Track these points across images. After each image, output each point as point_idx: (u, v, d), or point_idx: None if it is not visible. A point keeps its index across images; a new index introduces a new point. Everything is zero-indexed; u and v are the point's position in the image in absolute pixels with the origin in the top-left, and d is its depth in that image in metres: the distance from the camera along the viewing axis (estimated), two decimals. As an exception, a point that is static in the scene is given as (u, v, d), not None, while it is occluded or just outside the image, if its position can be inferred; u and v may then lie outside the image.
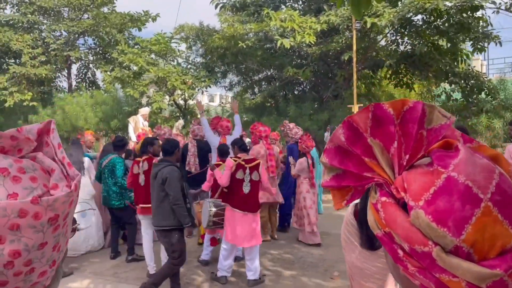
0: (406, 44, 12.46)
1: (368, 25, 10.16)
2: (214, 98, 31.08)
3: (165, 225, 4.20)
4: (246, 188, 4.82)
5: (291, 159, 6.76)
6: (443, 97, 13.61)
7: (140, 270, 5.37)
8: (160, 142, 6.81)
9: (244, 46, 11.98)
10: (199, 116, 6.81)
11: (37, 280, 0.62)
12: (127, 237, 5.97)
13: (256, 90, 15.68)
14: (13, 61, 15.62)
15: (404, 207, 0.62)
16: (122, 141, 6.09)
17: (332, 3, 10.45)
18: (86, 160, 6.30)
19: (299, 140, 6.51)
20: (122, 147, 6.01)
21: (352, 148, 0.67)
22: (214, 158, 6.06)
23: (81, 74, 17.68)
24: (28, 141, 0.64)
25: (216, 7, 13.61)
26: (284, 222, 7.39)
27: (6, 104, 13.82)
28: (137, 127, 9.58)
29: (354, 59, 10.72)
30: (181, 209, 4.16)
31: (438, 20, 11.15)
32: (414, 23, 11.55)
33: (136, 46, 14.92)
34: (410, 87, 13.51)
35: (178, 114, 14.90)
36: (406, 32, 11.92)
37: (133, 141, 8.24)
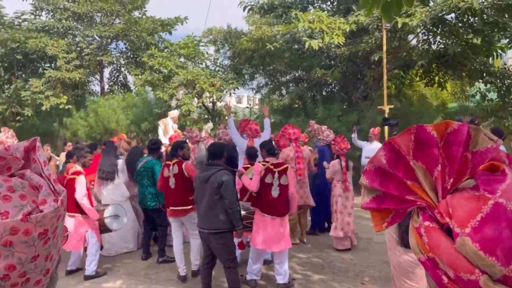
0: (439, 43, 12.13)
1: (400, 25, 9.95)
2: (241, 99, 31.22)
3: (219, 228, 4.19)
4: (275, 192, 4.81)
5: (325, 163, 6.71)
6: (477, 97, 13.16)
7: (170, 271, 5.46)
8: (190, 145, 6.92)
9: (272, 48, 11.97)
10: (226, 118, 6.86)
11: None
12: (158, 239, 6.08)
13: (283, 91, 15.64)
14: (48, 65, 16.19)
15: (448, 232, 0.61)
16: (156, 144, 6.24)
17: (361, 8, 10.29)
18: (120, 162, 6.44)
19: (333, 142, 6.42)
20: (156, 150, 6.16)
21: (393, 171, 0.66)
22: (241, 161, 6.08)
23: (113, 77, 18.16)
24: (15, 160, 0.68)
25: (244, 10, 13.68)
26: (315, 226, 7.33)
27: (43, 108, 14.33)
28: (167, 129, 9.75)
29: (384, 60, 10.53)
30: (236, 213, 4.19)
31: (472, 18, 10.80)
32: (447, 21, 11.23)
33: (165, 50, 15.18)
34: (443, 86, 13.15)
35: (206, 116, 15.05)
36: (438, 31, 11.60)
37: (163, 144, 8.39)
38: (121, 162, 6.45)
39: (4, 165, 0.67)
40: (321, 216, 7.28)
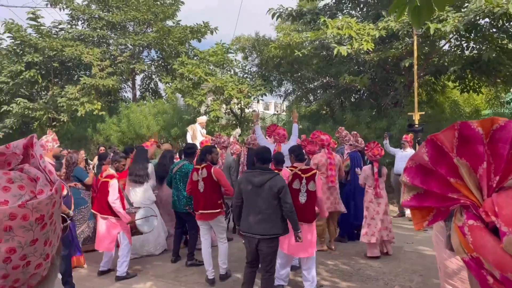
0: (472, 48, 11.79)
1: (432, 31, 9.74)
2: (269, 106, 31.27)
3: (274, 233, 4.17)
4: (302, 198, 4.77)
5: (357, 169, 6.65)
6: (513, 104, 12.71)
7: (199, 274, 5.49)
8: (219, 150, 6.98)
9: (300, 55, 11.96)
10: (254, 124, 6.90)
11: (34, 271, 0.72)
12: (189, 243, 6.13)
13: (311, 98, 15.58)
14: (83, 73, 16.75)
15: (494, 231, 0.59)
16: (192, 149, 6.32)
17: (390, 14, 10.14)
18: (150, 166, 6.56)
19: (366, 148, 6.34)
20: (192, 154, 6.24)
21: (435, 168, 0.64)
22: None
23: (144, 84, 18.59)
24: (15, 155, 0.74)
25: (272, 17, 13.73)
26: (343, 233, 7.22)
27: (78, 114, 14.80)
28: (195, 134, 9.88)
29: (415, 66, 10.32)
30: (295, 216, 4.20)
31: (508, 23, 10.46)
32: (480, 27, 10.92)
33: (195, 58, 15.42)
34: (477, 92, 12.75)
35: (234, 122, 15.16)
36: (471, 36, 11.29)
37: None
38: (150, 166, 6.54)
39: (5, 160, 0.73)
40: (350, 224, 7.16)
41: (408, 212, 8.65)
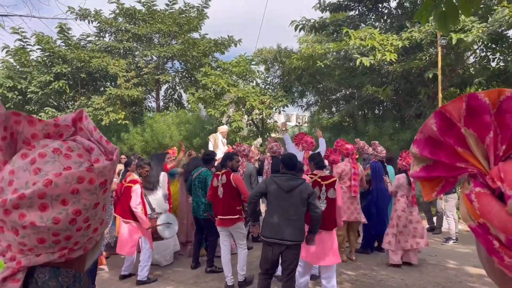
0: (498, 60, 11.57)
1: (454, 41, 9.63)
2: (290, 118, 31.29)
3: (300, 240, 4.21)
4: (322, 205, 4.76)
5: (386, 178, 6.61)
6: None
7: (218, 281, 5.52)
8: (240, 158, 7.03)
9: (322, 66, 11.98)
10: (280, 135, 6.96)
11: (91, 235, 0.75)
12: (208, 249, 6.17)
13: (333, 109, 15.53)
14: (109, 83, 17.20)
15: (500, 197, 0.61)
16: (210, 156, 6.41)
17: (415, 21, 10.08)
18: (162, 175, 6.35)
19: (400, 157, 6.30)
20: (210, 161, 6.31)
21: (444, 138, 0.67)
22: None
23: (168, 95, 18.92)
24: (68, 127, 0.77)
25: (295, 29, 13.83)
26: (366, 245, 7.11)
27: (103, 123, 15.17)
28: (216, 144, 9.97)
29: (439, 77, 10.19)
30: (320, 222, 4.25)
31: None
32: (506, 38, 10.72)
33: (218, 69, 15.65)
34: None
35: (255, 133, 15.24)
36: (498, 48, 11.09)
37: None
38: (162, 175, 6.34)
39: (57, 132, 0.75)
40: (372, 235, 7.06)
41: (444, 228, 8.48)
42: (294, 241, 4.14)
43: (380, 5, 14.13)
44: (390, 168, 7.20)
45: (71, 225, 0.70)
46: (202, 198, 5.96)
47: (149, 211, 5.78)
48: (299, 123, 23.30)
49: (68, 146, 0.74)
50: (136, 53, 17.36)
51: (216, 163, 6.64)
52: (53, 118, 0.82)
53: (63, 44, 16.44)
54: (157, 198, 6.13)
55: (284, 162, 4.37)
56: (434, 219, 9.22)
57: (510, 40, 10.72)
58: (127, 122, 15.44)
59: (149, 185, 6.16)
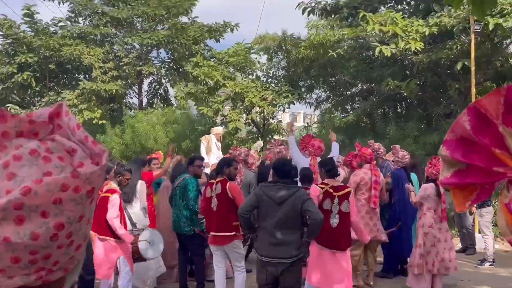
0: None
1: (491, 27, 9.66)
2: (297, 117, 31.33)
3: (295, 255, 4.20)
4: (334, 221, 4.76)
5: (409, 185, 6.53)
6: None
7: (211, 310, 5.50)
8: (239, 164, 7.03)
9: (335, 56, 11.99)
10: (285, 138, 6.96)
11: (73, 254, 0.74)
12: (195, 272, 6.13)
13: (348, 107, 15.54)
14: (83, 76, 17.18)
15: (546, 208, 0.61)
16: (192, 159, 6.37)
17: (446, 3, 10.11)
18: (139, 184, 6.26)
19: (429, 164, 6.24)
20: (192, 162, 6.29)
21: (478, 138, 0.67)
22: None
23: (152, 89, 18.91)
24: (44, 125, 0.75)
25: (303, 13, 13.81)
26: (388, 268, 7.09)
27: (75, 123, 15.17)
28: (209, 147, 9.98)
29: (473, 69, 10.22)
30: (319, 229, 4.26)
31: None
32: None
33: (212, 59, 15.63)
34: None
35: (256, 134, 15.22)
36: (542, 35, 11.13)
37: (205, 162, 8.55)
38: (140, 184, 6.20)
39: (32, 130, 0.73)
40: (395, 255, 7.05)
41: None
42: (290, 257, 4.13)
43: (404, -16, 14.19)
44: (413, 177, 7.16)
45: (52, 242, 0.68)
46: (183, 210, 5.91)
47: (129, 227, 5.76)
48: (307, 123, 23.32)
49: (47, 147, 0.72)
50: (115, 40, 17.38)
51: (210, 170, 6.64)
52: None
53: (29, 29, 16.44)
54: (134, 211, 6.02)
55: (275, 169, 4.40)
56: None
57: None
58: (104, 121, 15.42)
59: (124, 196, 6.00)
